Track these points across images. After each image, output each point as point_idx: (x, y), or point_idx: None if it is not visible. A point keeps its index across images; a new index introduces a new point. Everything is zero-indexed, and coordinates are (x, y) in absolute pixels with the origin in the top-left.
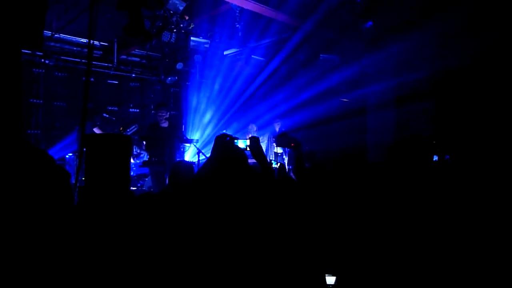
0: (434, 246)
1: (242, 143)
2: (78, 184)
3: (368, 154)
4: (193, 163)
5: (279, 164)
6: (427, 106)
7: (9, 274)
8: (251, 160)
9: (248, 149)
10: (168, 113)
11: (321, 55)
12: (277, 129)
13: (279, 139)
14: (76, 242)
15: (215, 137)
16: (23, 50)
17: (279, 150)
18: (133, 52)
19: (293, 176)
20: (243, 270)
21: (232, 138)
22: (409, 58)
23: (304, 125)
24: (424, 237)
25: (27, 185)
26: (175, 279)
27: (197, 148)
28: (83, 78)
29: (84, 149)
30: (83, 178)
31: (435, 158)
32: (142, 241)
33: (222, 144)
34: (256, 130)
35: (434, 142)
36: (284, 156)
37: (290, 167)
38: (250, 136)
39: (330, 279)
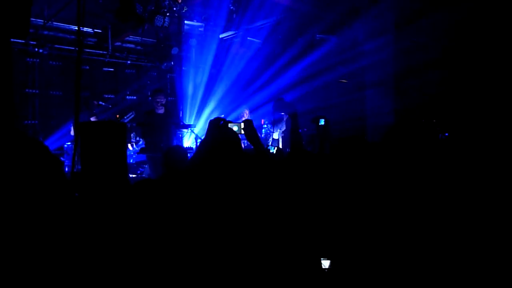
0: (432, 230)
1: (236, 127)
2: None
3: (367, 135)
4: (190, 148)
5: (276, 148)
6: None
7: (3, 262)
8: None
9: (242, 132)
10: (165, 99)
11: (317, 35)
12: (246, 116)
13: (277, 103)
14: (72, 230)
15: (208, 121)
16: (16, 40)
17: (276, 136)
18: (127, 38)
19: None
20: (240, 255)
21: (226, 122)
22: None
23: (301, 108)
24: (423, 221)
25: (20, 174)
26: (172, 267)
27: (195, 133)
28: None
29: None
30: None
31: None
32: (140, 228)
33: (216, 128)
34: (248, 114)
35: (434, 121)
36: (279, 140)
37: (287, 150)
38: (244, 119)
39: (326, 263)
